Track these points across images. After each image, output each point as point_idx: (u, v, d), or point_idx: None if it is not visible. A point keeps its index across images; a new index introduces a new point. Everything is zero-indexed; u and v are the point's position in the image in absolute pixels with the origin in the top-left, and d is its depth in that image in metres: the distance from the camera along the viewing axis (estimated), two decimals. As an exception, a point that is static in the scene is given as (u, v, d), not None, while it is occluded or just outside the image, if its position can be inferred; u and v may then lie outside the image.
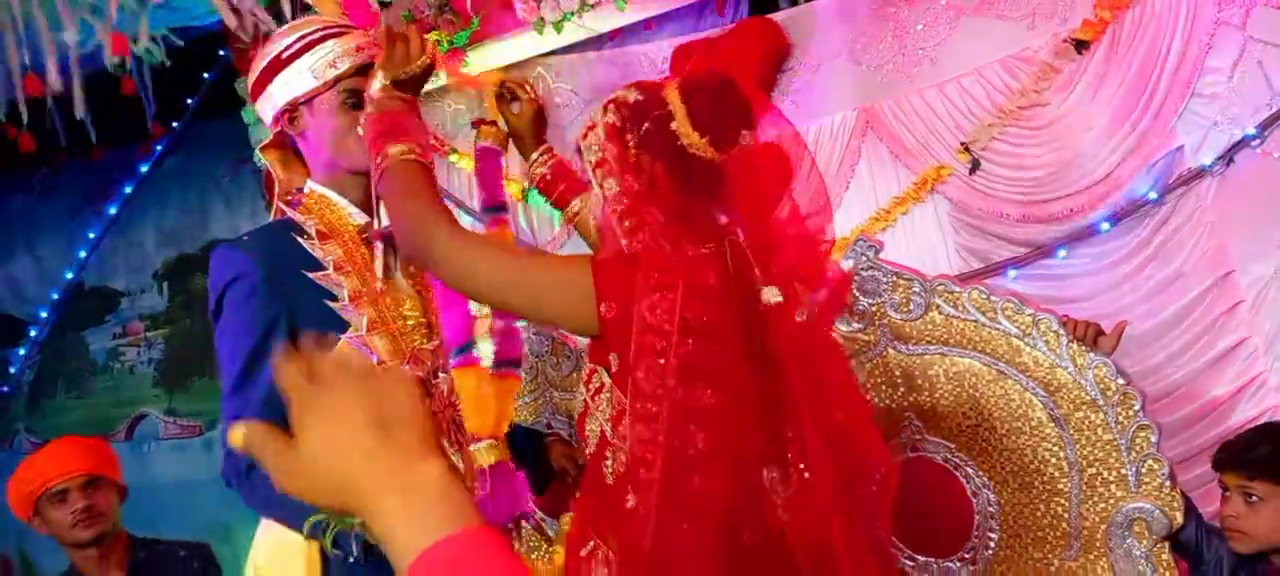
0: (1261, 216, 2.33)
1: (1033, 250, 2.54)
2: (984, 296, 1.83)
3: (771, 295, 1.28)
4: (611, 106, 1.31)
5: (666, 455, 1.18)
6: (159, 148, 3.90)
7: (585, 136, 1.33)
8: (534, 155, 1.66)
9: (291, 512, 1.50)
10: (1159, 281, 2.42)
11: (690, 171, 1.27)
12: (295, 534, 1.52)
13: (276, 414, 1.55)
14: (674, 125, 1.26)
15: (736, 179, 1.30)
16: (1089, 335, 1.75)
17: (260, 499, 1.54)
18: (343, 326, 1.53)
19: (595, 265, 1.27)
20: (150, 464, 4.10)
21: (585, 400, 1.34)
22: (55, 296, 4.35)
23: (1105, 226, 2.46)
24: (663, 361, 1.19)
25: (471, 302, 1.63)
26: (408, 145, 1.39)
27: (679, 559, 1.17)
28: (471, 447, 1.50)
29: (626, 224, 1.28)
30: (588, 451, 1.33)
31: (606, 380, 1.29)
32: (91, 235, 4.19)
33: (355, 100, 1.58)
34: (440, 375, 1.55)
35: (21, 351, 4.44)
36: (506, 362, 1.64)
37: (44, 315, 4.38)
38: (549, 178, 1.66)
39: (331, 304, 1.52)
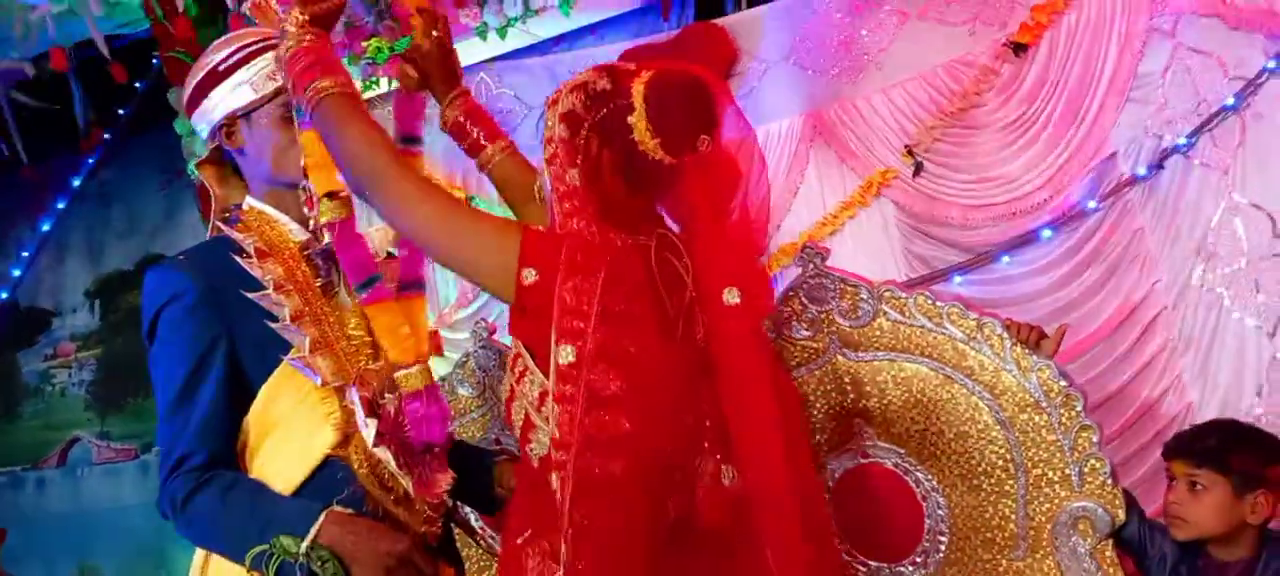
0: (1184, 223, 2.39)
1: (977, 255, 2.58)
2: (930, 302, 1.83)
3: (731, 296, 1.28)
4: (577, 89, 1.29)
5: (581, 438, 1.20)
6: (91, 161, 3.76)
7: (550, 108, 1.32)
8: (447, 97, 1.56)
9: (231, 544, 1.45)
10: (1092, 286, 2.47)
11: (636, 167, 1.27)
12: (234, 565, 1.47)
13: (213, 439, 1.52)
14: (631, 119, 1.26)
15: (691, 183, 1.29)
16: (1032, 338, 1.77)
17: (197, 531, 1.48)
18: (285, 347, 1.48)
19: (525, 231, 1.28)
20: (84, 489, 3.96)
21: (511, 384, 1.34)
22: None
23: (1046, 233, 2.50)
24: (580, 344, 1.21)
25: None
26: (334, 78, 1.35)
27: (598, 539, 1.18)
28: (399, 374, 1.46)
29: (565, 206, 1.29)
30: (516, 435, 1.33)
31: (530, 363, 1.29)
32: (25, 254, 4.04)
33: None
34: (387, 395, 1.51)
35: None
36: (410, 284, 1.61)
37: (-28, 337, 4.22)
38: (462, 121, 1.56)
39: (272, 325, 1.47)
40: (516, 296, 1.27)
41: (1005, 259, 2.55)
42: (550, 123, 1.30)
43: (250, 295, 1.47)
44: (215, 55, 1.54)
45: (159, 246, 3.74)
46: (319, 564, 1.38)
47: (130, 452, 3.84)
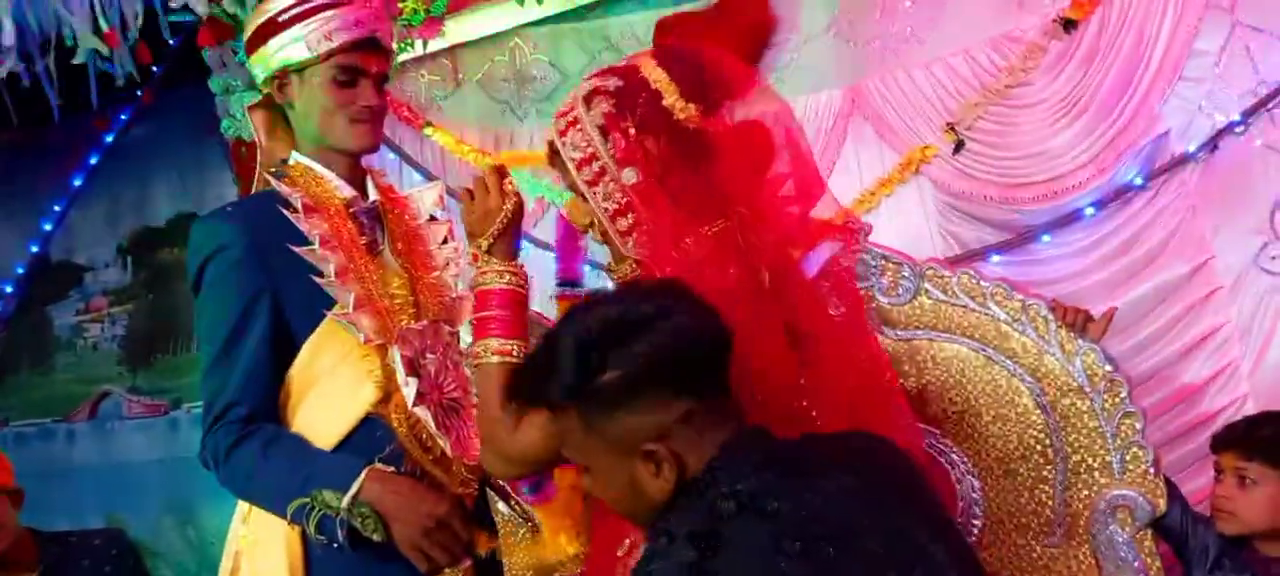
0: (1241, 203, 2.33)
1: (1017, 235, 2.53)
2: (974, 281, 1.80)
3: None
4: (599, 97, 1.23)
5: None
6: (123, 117, 3.77)
7: (565, 134, 1.24)
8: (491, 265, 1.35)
9: (273, 496, 1.45)
10: (1140, 267, 2.41)
11: (684, 145, 1.23)
12: (275, 518, 1.47)
13: (256, 391, 1.52)
14: (666, 101, 1.22)
15: (725, 152, 1.26)
16: (1078, 321, 1.73)
17: (239, 482, 1.49)
18: (329, 303, 1.48)
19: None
20: (114, 443, 4.00)
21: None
22: (20, 271, 4.21)
23: (1090, 211, 2.44)
24: None
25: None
26: (504, 341, 1.27)
27: None
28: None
29: (628, 219, 1.22)
30: None
31: None
32: (56, 208, 4.06)
33: (348, 78, 1.51)
34: (428, 355, 1.51)
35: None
36: (567, 283, 1.59)
37: (9, 290, 4.25)
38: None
39: (317, 279, 1.47)
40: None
41: (1046, 238, 2.49)
42: (580, 143, 1.23)
43: (296, 249, 1.46)
44: (278, 3, 1.51)
45: (191, 204, 3.75)
46: (359, 520, 1.38)
47: (160, 408, 3.87)
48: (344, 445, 1.47)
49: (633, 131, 1.21)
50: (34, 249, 4.15)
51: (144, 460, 3.88)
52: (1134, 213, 2.41)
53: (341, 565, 1.44)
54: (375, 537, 1.38)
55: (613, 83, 1.24)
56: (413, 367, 1.46)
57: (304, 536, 1.47)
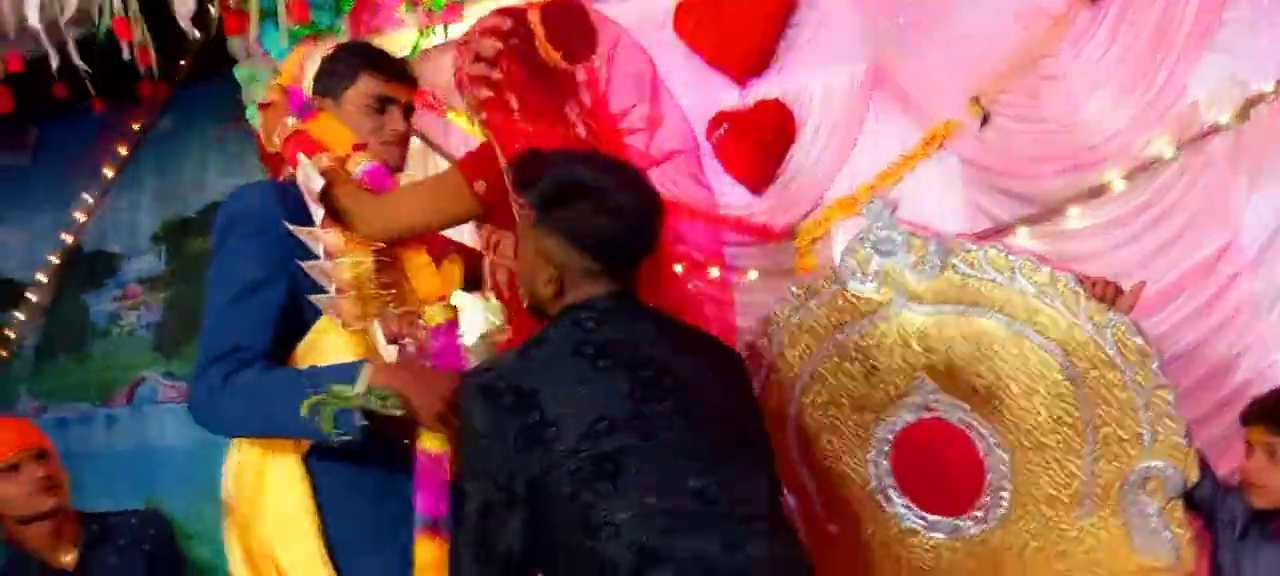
0: (1272, 174, 2.30)
1: (1045, 209, 2.51)
2: (1001, 255, 1.80)
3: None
4: (489, 33, 1.66)
5: None
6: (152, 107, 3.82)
7: (464, 46, 1.68)
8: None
9: (276, 407, 1.48)
10: (1169, 240, 2.39)
11: (550, 78, 1.69)
12: (273, 454, 1.53)
13: (263, 346, 1.59)
14: (537, 43, 1.66)
15: (585, 88, 1.77)
16: (1108, 293, 1.73)
17: (241, 403, 1.52)
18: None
19: (457, 161, 1.76)
20: (150, 427, 4.08)
21: (490, 260, 1.74)
22: (54, 260, 4.29)
23: (1119, 184, 2.42)
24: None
25: None
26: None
27: None
28: (425, 310, 1.61)
29: (483, 115, 1.65)
30: (504, 297, 1.69)
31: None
32: (88, 198, 4.13)
33: (379, 105, 1.73)
34: (405, 338, 1.57)
35: (20, 315, 4.39)
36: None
37: (43, 279, 4.33)
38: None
39: (305, 265, 1.57)
40: (483, 208, 1.67)
41: (1074, 211, 2.48)
42: (468, 60, 1.66)
43: (293, 228, 1.55)
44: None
45: (221, 192, 3.79)
46: (378, 402, 1.43)
47: (193, 392, 3.94)
48: None
49: (504, 58, 1.65)
50: (66, 238, 4.22)
51: (179, 444, 3.96)
52: (1163, 185, 2.38)
53: (355, 488, 1.51)
54: (397, 413, 1.45)
55: (506, 23, 1.67)
56: (392, 338, 1.55)
57: (310, 473, 1.51)
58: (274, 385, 1.50)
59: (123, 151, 3.97)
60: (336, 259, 1.56)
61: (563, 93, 1.73)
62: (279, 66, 2.66)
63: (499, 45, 1.65)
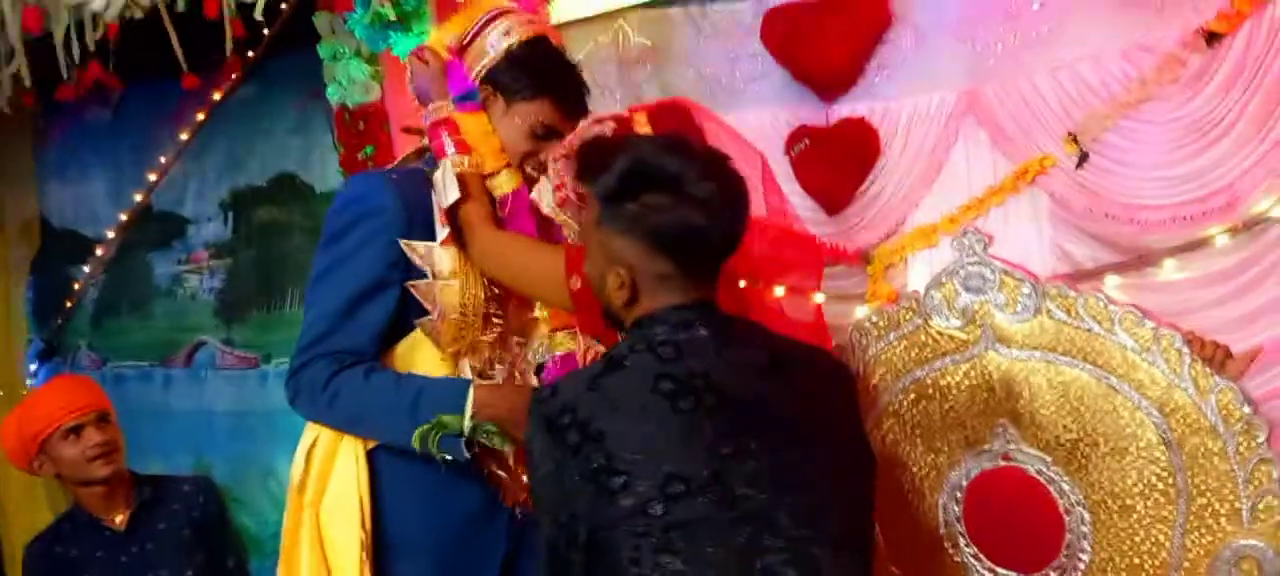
0: (1391, 241, 2.16)
1: (1138, 256, 2.39)
2: (1101, 304, 1.71)
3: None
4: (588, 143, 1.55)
5: None
6: (233, 76, 3.86)
7: (564, 159, 1.58)
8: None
9: (378, 417, 1.51)
10: (1271, 302, 2.25)
11: None
12: (344, 440, 1.55)
13: (365, 348, 1.59)
14: None
15: None
16: (1217, 357, 1.63)
17: (342, 406, 1.54)
18: None
19: (566, 247, 1.57)
20: (206, 391, 4.13)
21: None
22: (123, 217, 4.37)
23: (1222, 240, 2.29)
24: None
25: None
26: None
27: None
28: (490, 179, 1.62)
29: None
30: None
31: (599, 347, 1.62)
32: (161, 159, 4.19)
33: (546, 133, 1.68)
34: (496, 367, 1.57)
35: (86, 269, 4.48)
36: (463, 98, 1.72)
37: (110, 236, 4.42)
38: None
39: (408, 283, 1.57)
40: (573, 301, 1.54)
41: (1169, 263, 2.35)
42: (571, 176, 1.55)
43: (404, 246, 1.56)
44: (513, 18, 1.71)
45: (291, 165, 3.82)
46: (485, 436, 1.43)
47: (252, 361, 3.98)
48: None
49: None
50: (137, 198, 4.29)
51: (233, 410, 4.00)
52: (1270, 243, 2.24)
53: (411, 488, 1.52)
54: (505, 448, 1.47)
55: (609, 127, 1.57)
56: (481, 373, 1.55)
57: (371, 463, 1.52)
58: (376, 393, 1.51)
59: (200, 117, 4.02)
60: (444, 281, 1.53)
61: None
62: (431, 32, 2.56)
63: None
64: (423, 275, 1.53)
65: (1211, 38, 2.31)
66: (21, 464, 2.22)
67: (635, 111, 1.60)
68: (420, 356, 1.56)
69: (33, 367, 4.54)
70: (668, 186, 1.27)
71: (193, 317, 4.17)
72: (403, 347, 1.58)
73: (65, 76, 3.44)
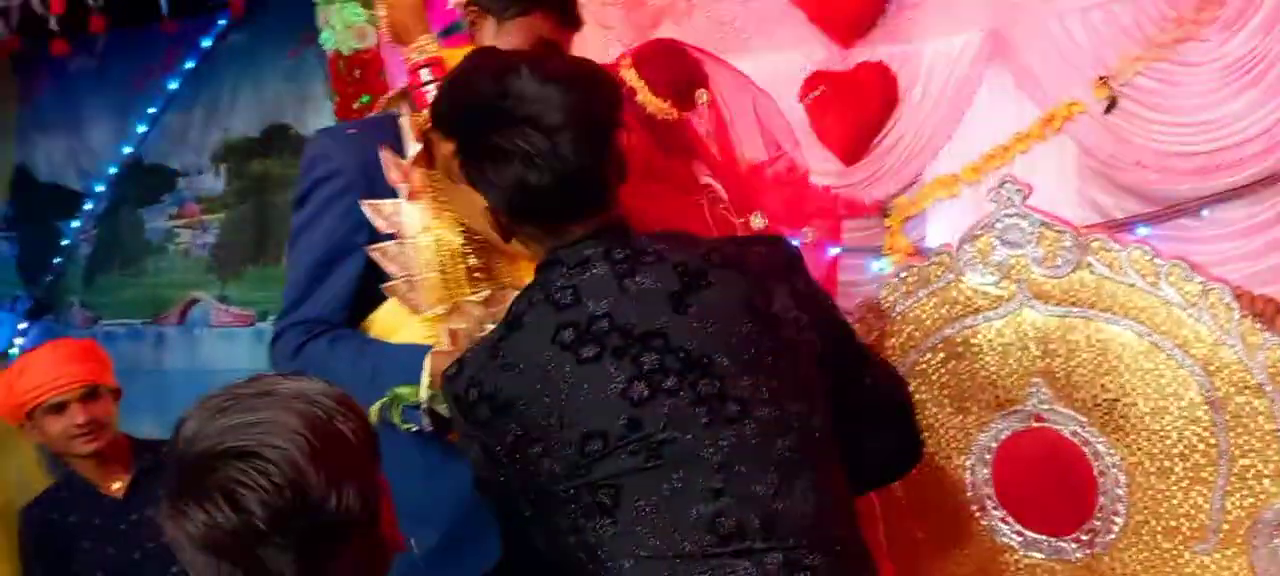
0: None
1: (1169, 207, 2.30)
2: (1147, 258, 1.62)
3: (757, 220, 1.57)
4: None
5: None
6: (221, 21, 3.71)
7: None
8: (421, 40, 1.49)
9: (341, 384, 1.43)
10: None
11: (665, 137, 1.51)
12: None
13: (339, 313, 1.49)
14: (639, 98, 1.50)
15: (700, 134, 1.56)
16: (1269, 312, 1.55)
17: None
18: None
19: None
20: (200, 349, 4.06)
21: None
22: (113, 170, 4.24)
23: (1256, 188, 2.20)
24: None
25: None
26: None
27: None
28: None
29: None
30: None
31: None
32: (151, 110, 4.06)
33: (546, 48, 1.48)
34: (486, 326, 1.48)
35: (76, 224, 4.37)
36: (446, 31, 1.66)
37: (100, 189, 4.30)
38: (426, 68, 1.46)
39: (371, 251, 1.46)
40: None
41: (1205, 213, 2.26)
42: None
43: (366, 207, 1.45)
44: None
45: (287, 116, 3.70)
46: (442, 404, 1.35)
47: (247, 318, 3.90)
48: None
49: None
50: (126, 150, 4.17)
51: (229, 368, 3.91)
52: (1309, 193, 2.16)
53: (417, 454, 1.43)
54: None
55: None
56: (456, 341, 1.43)
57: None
58: (339, 364, 1.44)
59: (189, 66, 3.88)
60: (413, 239, 1.43)
61: (685, 149, 1.50)
62: None
63: None
64: (391, 236, 1.44)
65: (1255, -27, 2.21)
66: (14, 423, 2.15)
67: (621, 58, 1.50)
68: (404, 320, 1.46)
69: (23, 326, 4.45)
70: (501, 145, 1.13)
71: (186, 274, 4.08)
72: (384, 311, 1.48)
73: (48, 23, 3.29)
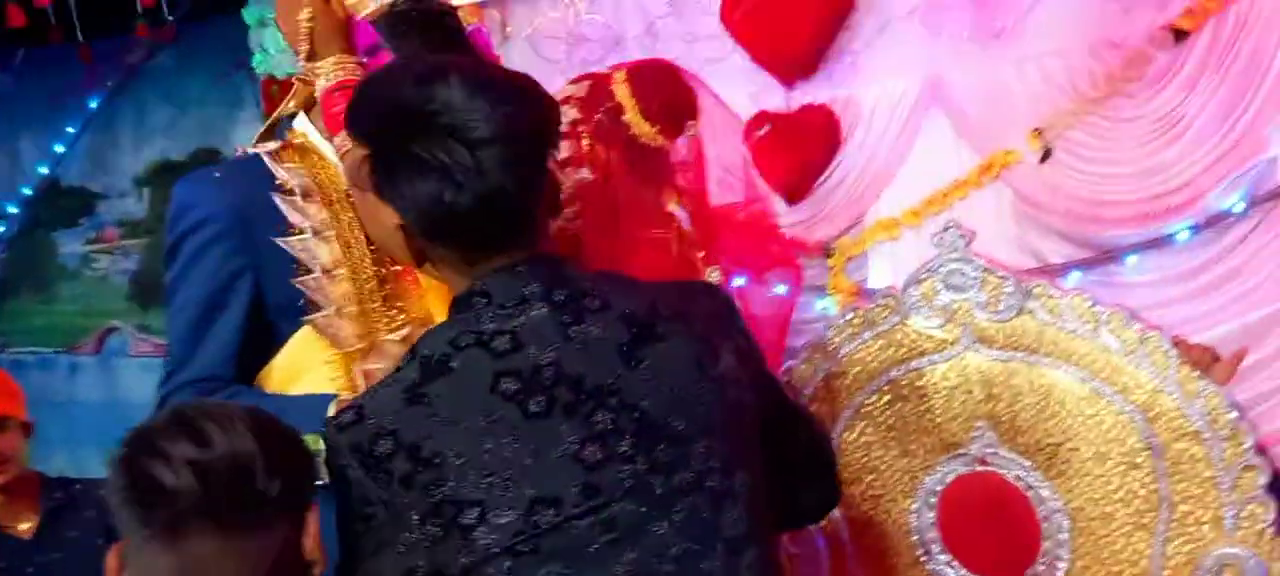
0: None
1: (1101, 253, 2.37)
2: (1087, 304, 1.65)
3: (713, 275, 1.51)
4: (569, 103, 1.40)
5: None
6: (147, 43, 3.58)
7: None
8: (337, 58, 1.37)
9: None
10: (1233, 301, 2.25)
11: (643, 161, 1.44)
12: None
13: (226, 367, 1.39)
14: (625, 117, 1.42)
15: (680, 165, 1.50)
16: (1204, 360, 1.58)
17: None
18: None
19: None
20: (119, 380, 3.86)
21: None
22: (27, 192, 4.04)
23: (1184, 236, 2.28)
24: None
25: None
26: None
27: None
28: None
29: (567, 211, 1.36)
30: None
31: None
32: (70, 129, 3.88)
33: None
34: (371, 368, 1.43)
35: (-16, 247, 4.15)
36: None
37: (13, 210, 4.08)
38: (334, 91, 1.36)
39: (298, 282, 1.38)
40: None
41: (1132, 259, 2.33)
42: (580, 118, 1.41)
43: (282, 243, 1.37)
44: None
45: (215, 139, 3.57)
46: None
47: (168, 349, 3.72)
48: None
49: (585, 142, 1.40)
50: (42, 171, 3.98)
51: (149, 402, 3.72)
52: (1233, 243, 2.24)
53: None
54: None
55: (583, 91, 1.42)
56: (370, 382, 1.37)
57: None
58: None
59: (111, 85, 3.73)
60: (333, 273, 1.36)
61: (658, 179, 1.43)
62: None
63: (575, 115, 1.36)
64: (280, 264, 1.34)
65: (1179, 35, 2.29)
66: None
67: (615, 70, 1.43)
68: (306, 369, 1.38)
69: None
70: (419, 155, 1.00)
71: (103, 301, 3.89)
72: (283, 359, 1.40)
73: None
